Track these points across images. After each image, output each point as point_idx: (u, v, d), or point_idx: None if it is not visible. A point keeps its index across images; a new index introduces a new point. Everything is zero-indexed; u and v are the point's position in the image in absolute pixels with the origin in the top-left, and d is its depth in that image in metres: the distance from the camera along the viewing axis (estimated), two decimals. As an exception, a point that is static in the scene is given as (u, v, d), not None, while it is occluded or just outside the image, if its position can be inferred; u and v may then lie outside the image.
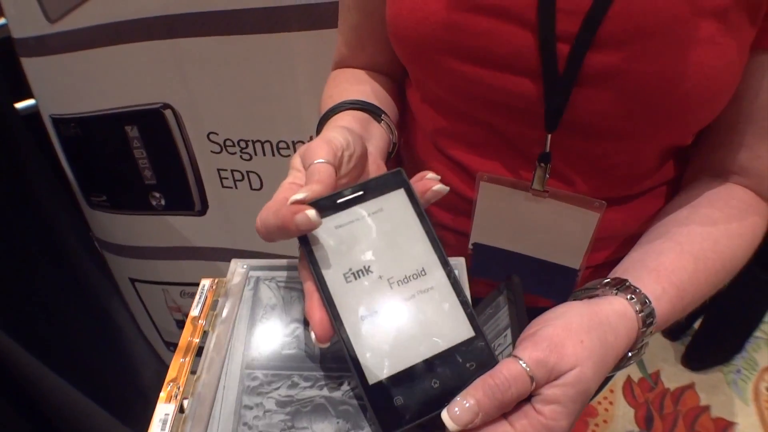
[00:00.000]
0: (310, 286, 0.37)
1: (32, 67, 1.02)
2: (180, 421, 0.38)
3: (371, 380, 0.35)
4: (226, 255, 1.21)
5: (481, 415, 0.33)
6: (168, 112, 1.00)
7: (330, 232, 0.38)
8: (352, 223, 0.39)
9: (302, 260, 0.39)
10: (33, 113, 1.11)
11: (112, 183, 1.14)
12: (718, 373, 1.63)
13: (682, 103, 0.43)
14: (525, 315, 0.46)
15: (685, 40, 0.41)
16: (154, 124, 1.02)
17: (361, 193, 0.39)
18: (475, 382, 0.35)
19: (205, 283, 0.47)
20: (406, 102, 0.62)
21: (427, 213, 0.40)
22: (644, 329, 0.41)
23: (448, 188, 0.41)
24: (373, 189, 0.40)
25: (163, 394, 0.40)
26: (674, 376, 1.63)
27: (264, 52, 0.89)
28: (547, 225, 0.55)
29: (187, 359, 0.42)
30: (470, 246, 0.60)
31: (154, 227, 1.17)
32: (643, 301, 0.41)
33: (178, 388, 0.40)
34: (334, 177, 0.39)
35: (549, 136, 0.48)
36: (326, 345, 0.36)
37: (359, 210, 0.39)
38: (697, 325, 1.61)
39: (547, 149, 0.49)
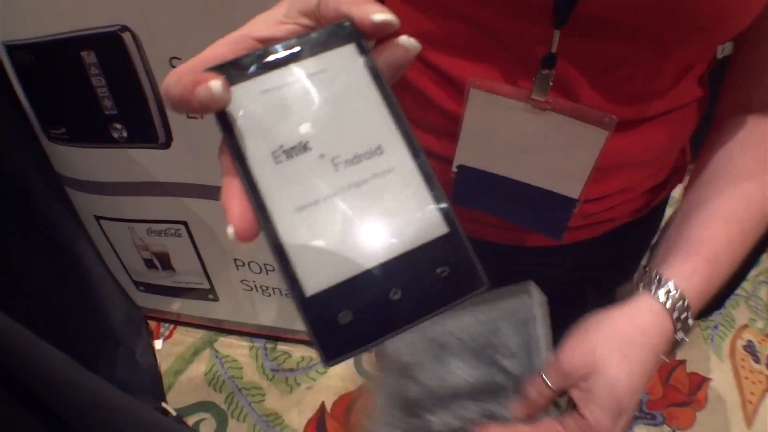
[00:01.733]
0: (229, 172, 0.29)
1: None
2: None
3: (309, 291, 0.27)
4: (194, 191, 1.17)
5: None
6: (126, 35, 0.94)
7: (255, 98, 0.29)
8: (284, 87, 0.30)
9: (222, 144, 0.30)
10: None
11: (71, 114, 1.09)
12: (695, 328, 1.63)
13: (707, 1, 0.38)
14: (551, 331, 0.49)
15: None
16: (112, 48, 0.96)
17: (297, 49, 0.30)
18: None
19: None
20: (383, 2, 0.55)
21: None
22: (679, 323, 0.43)
23: (416, 44, 0.31)
24: (313, 44, 0.30)
25: None
26: (652, 330, 1.63)
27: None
28: (546, 144, 0.48)
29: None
30: (454, 169, 0.53)
31: (117, 161, 1.13)
32: (669, 291, 0.43)
33: None
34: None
35: (557, 32, 0.42)
36: (249, 243, 0.28)
37: (294, 70, 0.30)
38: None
39: (554, 49, 0.42)
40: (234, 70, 0.28)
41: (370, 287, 0.27)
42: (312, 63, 0.30)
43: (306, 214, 0.28)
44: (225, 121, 0.28)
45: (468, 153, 0.51)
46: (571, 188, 0.50)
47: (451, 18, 0.46)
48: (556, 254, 0.59)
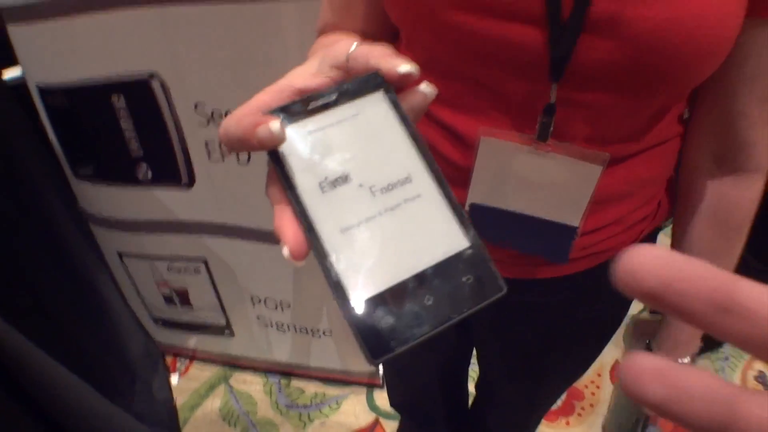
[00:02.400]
0: (279, 203, 0.33)
1: (19, 34, 1.00)
2: None
3: (355, 300, 0.31)
4: (214, 230, 1.20)
5: None
6: (155, 82, 0.99)
7: (301, 139, 0.34)
8: (325, 129, 0.34)
9: (270, 179, 0.34)
10: (20, 83, 1.10)
11: (99, 154, 1.13)
12: (705, 361, 1.63)
13: (682, 51, 0.43)
14: None
15: None
16: (141, 94, 1.01)
17: (335, 96, 0.35)
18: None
19: None
20: None
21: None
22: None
23: (436, 90, 0.36)
24: (347, 92, 0.35)
25: None
26: (663, 363, 1.63)
27: (252, 20, 0.88)
28: (548, 181, 0.54)
29: None
30: (467, 207, 0.58)
31: (141, 200, 1.16)
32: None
33: None
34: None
35: (554, 85, 0.47)
36: (301, 262, 0.32)
37: (333, 115, 0.35)
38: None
39: (552, 100, 0.48)
40: (284, 114, 0.33)
41: (406, 295, 0.31)
42: (348, 108, 0.35)
43: (349, 234, 0.32)
44: (277, 158, 0.33)
45: (479, 193, 0.57)
46: (572, 217, 0.56)
47: (457, 79, 0.52)
48: (561, 284, 0.63)
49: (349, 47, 0.36)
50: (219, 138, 0.34)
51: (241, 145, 0.32)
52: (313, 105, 0.34)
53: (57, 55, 1.01)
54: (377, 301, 0.31)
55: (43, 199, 1.15)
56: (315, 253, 0.32)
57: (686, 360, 0.66)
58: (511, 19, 0.45)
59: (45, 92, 1.07)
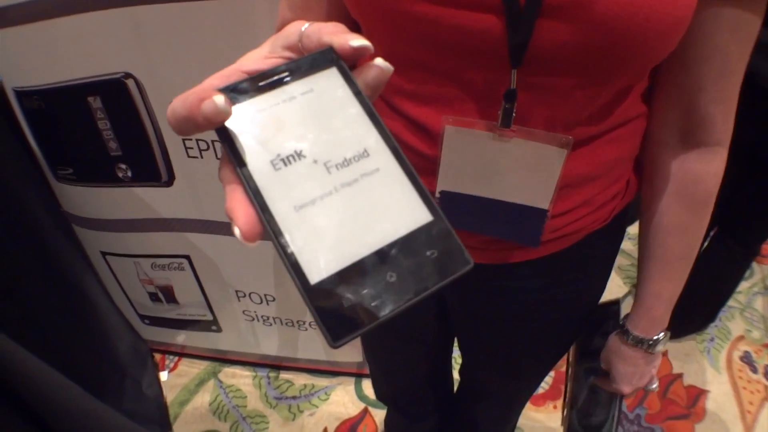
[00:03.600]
0: (231, 182, 0.32)
1: (-7, 38, 1.00)
2: None
3: (312, 280, 0.29)
4: (195, 226, 1.21)
5: None
6: (130, 82, 0.99)
7: (251, 117, 0.32)
8: (277, 105, 0.33)
9: (223, 158, 0.33)
10: (-2, 88, 1.10)
11: (78, 155, 1.13)
12: (691, 342, 1.65)
13: (640, 33, 0.44)
14: None
15: None
16: (117, 94, 1.01)
17: (285, 74, 0.34)
18: None
19: None
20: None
21: None
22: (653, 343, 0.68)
23: (389, 66, 0.35)
24: (299, 69, 0.34)
25: None
26: (648, 345, 1.65)
27: (225, 17, 0.89)
28: (515, 166, 0.54)
29: None
30: (437, 194, 0.59)
31: (122, 199, 1.17)
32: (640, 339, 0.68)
33: None
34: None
35: (514, 71, 0.48)
36: (254, 243, 0.30)
37: (285, 92, 0.33)
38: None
39: (513, 85, 0.49)
40: (233, 93, 0.32)
41: (367, 272, 0.30)
42: (300, 84, 0.34)
43: (305, 212, 0.31)
44: (227, 136, 0.31)
45: (448, 180, 0.57)
46: (542, 200, 0.57)
47: (418, 70, 0.52)
48: (534, 267, 0.65)
49: (300, 26, 0.35)
50: (167, 120, 0.32)
51: (188, 124, 0.31)
52: (263, 83, 0.33)
53: (33, 58, 1.01)
54: (336, 280, 0.30)
55: (24, 202, 1.15)
56: (269, 233, 0.30)
57: (661, 335, 0.68)
58: (469, 7, 0.46)
59: (22, 95, 1.07)
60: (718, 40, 0.49)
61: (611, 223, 0.65)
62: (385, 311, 0.29)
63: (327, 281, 0.29)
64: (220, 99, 0.29)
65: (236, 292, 1.36)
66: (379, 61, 0.35)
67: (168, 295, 1.39)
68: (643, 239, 0.66)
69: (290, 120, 0.33)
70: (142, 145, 1.08)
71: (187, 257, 1.29)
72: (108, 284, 1.40)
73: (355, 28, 0.57)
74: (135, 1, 0.90)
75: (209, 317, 1.45)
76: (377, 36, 0.54)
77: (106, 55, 0.97)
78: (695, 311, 1.64)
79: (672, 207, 0.61)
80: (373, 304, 0.29)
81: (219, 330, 1.48)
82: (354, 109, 0.34)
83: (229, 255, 1.27)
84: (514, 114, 0.51)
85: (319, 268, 0.30)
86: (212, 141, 1.05)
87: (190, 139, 1.05)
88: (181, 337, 1.54)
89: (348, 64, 0.35)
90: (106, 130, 1.07)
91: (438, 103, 0.54)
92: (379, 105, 0.59)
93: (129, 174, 1.13)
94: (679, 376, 1.57)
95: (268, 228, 0.30)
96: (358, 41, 0.34)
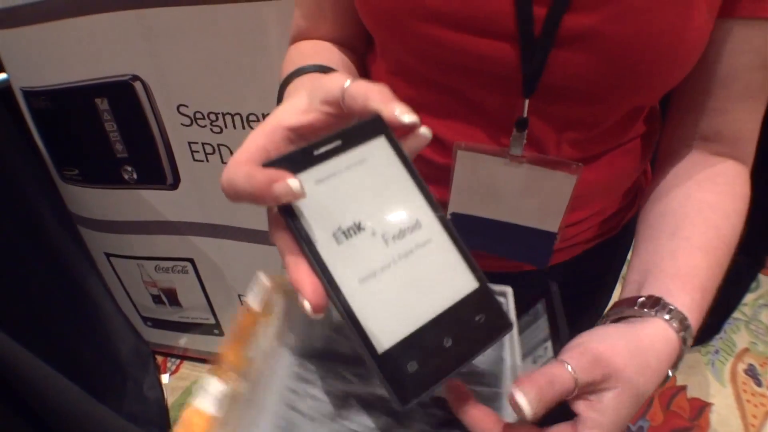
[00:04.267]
0: (292, 253, 0.33)
1: (2, 39, 1.01)
2: (234, 401, 0.38)
3: (380, 349, 0.31)
4: (200, 229, 1.21)
5: (534, 412, 0.33)
6: (137, 84, 1.00)
7: (311, 189, 0.33)
8: (333, 176, 0.34)
9: (276, 225, 0.34)
10: (5, 87, 1.10)
11: (84, 156, 1.14)
12: (695, 354, 1.64)
13: (654, 63, 0.43)
14: (566, 326, 0.47)
15: (658, 1, 0.41)
16: (124, 96, 1.02)
17: (339, 142, 0.35)
18: (528, 377, 0.34)
19: (265, 280, 0.46)
20: (369, 76, 0.60)
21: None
22: (684, 347, 0.42)
23: (431, 133, 0.37)
24: (351, 137, 0.35)
25: (215, 376, 0.39)
26: (652, 356, 1.64)
27: (234, 22, 0.89)
28: (525, 190, 0.55)
29: (243, 340, 0.42)
30: (449, 215, 0.59)
31: (128, 201, 1.17)
32: (681, 320, 0.41)
33: (231, 368, 0.40)
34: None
35: (527, 101, 0.48)
36: (322, 315, 0.32)
37: (339, 162, 0.34)
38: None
39: (525, 114, 0.48)
40: (290, 164, 0.33)
41: (427, 339, 0.32)
42: (353, 154, 0.35)
43: (368, 284, 0.32)
44: (288, 209, 0.32)
45: (460, 202, 0.58)
46: (551, 224, 0.57)
47: (435, 89, 0.52)
48: (545, 275, 0.64)
49: (342, 82, 0.35)
50: (222, 188, 0.33)
51: (252, 200, 0.31)
52: (317, 152, 0.34)
53: (41, 59, 1.01)
54: (402, 348, 0.32)
55: (30, 203, 1.16)
56: (336, 306, 0.32)
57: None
58: (483, 34, 0.45)
59: (30, 95, 1.08)
60: (742, 60, 0.48)
61: (620, 232, 0.65)
62: (444, 373, 0.32)
63: (393, 349, 0.32)
64: (296, 183, 0.30)
65: (239, 296, 1.36)
66: (423, 130, 0.36)
67: (171, 297, 1.39)
68: (665, 228, 0.52)
69: (348, 191, 0.34)
70: (148, 148, 1.08)
71: (191, 260, 1.29)
72: (111, 286, 1.40)
73: (368, 37, 0.57)
74: (144, 4, 0.90)
75: (212, 321, 1.44)
76: (391, 50, 0.53)
77: (114, 57, 0.98)
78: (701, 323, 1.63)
79: (700, 187, 0.52)
80: (433, 367, 0.32)
81: (221, 334, 1.48)
82: (404, 179, 0.35)
83: (233, 259, 1.26)
84: (525, 140, 0.50)
85: (385, 337, 0.32)
86: (218, 145, 1.05)
87: (196, 143, 1.05)
88: (183, 340, 1.53)
89: (395, 131, 0.36)
90: (113, 132, 1.07)
91: (452, 118, 0.53)
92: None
93: (134, 176, 1.13)
94: (683, 388, 1.56)
95: (336, 301, 0.32)
96: (409, 117, 0.35)
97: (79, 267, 1.30)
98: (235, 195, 0.32)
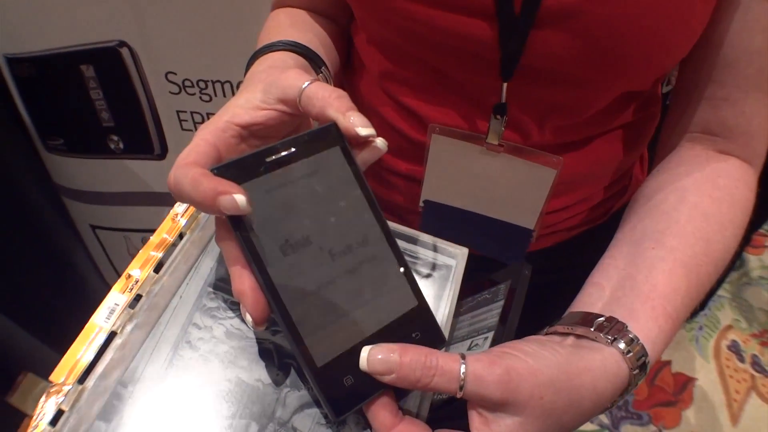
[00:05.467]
0: (237, 263, 0.32)
1: (-17, 2, 0.98)
2: (127, 316, 0.37)
3: (319, 363, 0.32)
4: (188, 201, 1.19)
5: (395, 375, 0.31)
6: (124, 51, 0.97)
7: (260, 198, 0.32)
8: (284, 186, 0.33)
9: (222, 230, 0.34)
10: (-14, 54, 1.07)
11: (69, 125, 1.11)
12: (680, 330, 1.66)
13: (640, 46, 0.40)
14: (516, 320, 0.43)
15: None
16: (111, 63, 0.99)
17: (293, 150, 0.34)
18: (412, 345, 0.32)
19: None
20: (353, 44, 0.58)
21: (374, 162, 0.37)
22: (635, 378, 0.36)
23: (386, 145, 0.36)
24: (305, 146, 0.35)
25: (118, 284, 0.38)
26: (638, 332, 1.66)
27: (222, -13, 0.87)
28: (502, 181, 0.52)
29: (156, 255, 0.40)
30: (421, 204, 0.57)
31: (114, 172, 1.15)
32: (639, 356, 0.36)
33: (136, 282, 0.39)
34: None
35: (505, 85, 0.45)
36: (262, 328, 0.33)
37: (291, 171, 0.34)
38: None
39: (503, 100, 0.46)
40: (238, 170, 0.32)
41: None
42: (306, 165, 0.34)
43: (311, 299, 0.33)
44: (236, 218, 0.32)
45: (432, 190, 0.56)
46: (527, 220, 0.55)
47: (414, 62, 0.50)
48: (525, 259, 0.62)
49: (299, 83, 0.35)
50: (168, 188, 0.32)
51: (196, 207, 0.31)
52: (270, 159, 0.33)
53: (25, 24, 0.98)
54: (340, 362, 0.32)
55: (13, 173, 1.13)
56: (278, 319, 0.32)
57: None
58: (460, 11, 0.42)
59: (13, 62, 1.05)
60: (748, 43, 0.43)
61: (608, 220, 0.62)
62: (377, 387, 0.33)
63: (332, 363, 0.32)
64: (242, 199, 0.30)
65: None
66: (379, 142, 0.36)
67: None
68: (650, 231, 0.48)
69: (298, 203, 0.34)
70: (135, 117, 1.05)
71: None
72: (97, 258, 1.38)
73: (347, 8, 0.53)
74: (131, -32, 0.87)
75: (200, 294, 1.43)
76: (370, 25, 0.51)
77: (101, 23, 0.95)
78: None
79: (697, 190, 0.48)
80: (367, 381, 0.32)
81: (210, 307, 1.47)
82: (356, 194, 0.36)
83: (222, 231, 1.25)
84: (503, 127, 0.48)
85: (325, 351, 0.32)
86: (207, 114, 1.03)
87: (185, 111, 1.03)
88: (172, 314, 1.52)
89: (350, 142, 0.36)
90: (99, 100, 1.04)
91: (431, 93, 0.51)
92: (374, 89, 0.56)
93: (121, 146, 1.10)
94: (667, 363, 1.59)
95: (278, 313, 0.32)
96: (365, 131, 0.34)
97: (63, 239, 1.28)
98: (181, 198, 0.32)
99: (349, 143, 0.36)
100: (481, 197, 0.55)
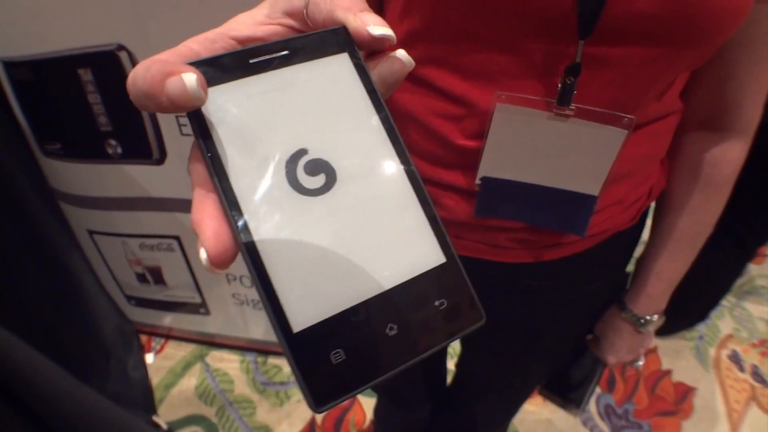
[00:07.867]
0: (201, 186, 0.25)
1: (-19, 5, 0.97)
2: None
3: (297, 327, 0.23)
4: (187, 206, 1.18)
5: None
6: (122, 54, 0.96)
7: (236, 105, 0.25)
8: (270, 93, 0.26)
9: (195, 153, 0.26)
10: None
11: (67, 130, 1.10)
12: (681, 339, 1.66)
13: (719, 3, 0.40)
14: None
15: None
16: (109, 66, 0.98)
17: (285, 52, 0.26)
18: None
19: None
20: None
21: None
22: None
23: (411, 61, 0.29)
24: (302, 49, 0.27)
25: None
26: (638, 341, 1.65)
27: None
28: (569, 148, 0.49)
29: None
30: (477, 181, 0.53)
31: (112, 177, 1.14)
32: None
33: None
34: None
35: (581, 43, 0.42)
36: (222, 271, 0.24)
37: (281, 75, 0.26)
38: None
39: (578, 59, 0.43)
40: (215, 69, 0.25)
41: (364, 322, 0.24)
42: (301, 69, 0.27)
43: (293, 241, 0.24)
44: (202, 127, 0.24)
45: (492, 165, 0.52)
46: (592, 187, 0.52)
47: (464, 40, 0.46)
48: (558, 266, 0.62)
49: None
50: (128, 90, 0.24)
51: (149, 102, 0.23)
52: (255, 60, 0.26)
53: (22, 28, 0.97)
54: (326, 329, 0.23)
55: (10, 178, 1.13)
56: (245, 261, 0.24)
57: (655, 317, 0.68)
58: None
59: (10, 66, 1.04)
60: (756, 28, 0.48)
61: (637, 224, 0.64)
62: (380, 372, 0.24)
63: (315, 329, 0.23)
64: (191, 78, 0.22)
65: (227, 275, 1.34)
66: (401, 53, 0.29)
67: (156, 276, 1.37)
68: (655, 217, 0.65)
69: (285, 115, 0.26)
70: (134, 121, 1.05)
71: (177, 238, 1.27)
72: (94, 263, 1.38)
73: None
74: (130, -29, 0.87)
75: (198, 300, 1.42)
76: (419, 4, 0.47)
77: (99, 26, 0.94)
78: (688, 310, 1.64)
79: (686, 187, 0.60)
80: (367, 362, 0.24)
81: (207, 313, 1.46)
82: (364, 112, 0.27)
83: (220, 237, 1.24)
84: (574, 91, 0.45)
85: (306, 312, 0.23)
86: (206, 119, 1.02)
87: (184, 116, 1.02)
88: (168, 319, 1.51)
89: (363, 50, 0.28)
90: (96, 104, 1.04)
91: (486, 78, 0.47)
92: (402, 83, 0.54)
93: (119, 150, 1.10)
94: (668, 372, 1.57)
95: (246, 255, 0.23)
96: (379, 29, 0.27)
97: (61, 244, 1.27)
98: (135, 96, 0.24)
99: (362, 53, 0.28)
100: (544, 167, 0.51)
